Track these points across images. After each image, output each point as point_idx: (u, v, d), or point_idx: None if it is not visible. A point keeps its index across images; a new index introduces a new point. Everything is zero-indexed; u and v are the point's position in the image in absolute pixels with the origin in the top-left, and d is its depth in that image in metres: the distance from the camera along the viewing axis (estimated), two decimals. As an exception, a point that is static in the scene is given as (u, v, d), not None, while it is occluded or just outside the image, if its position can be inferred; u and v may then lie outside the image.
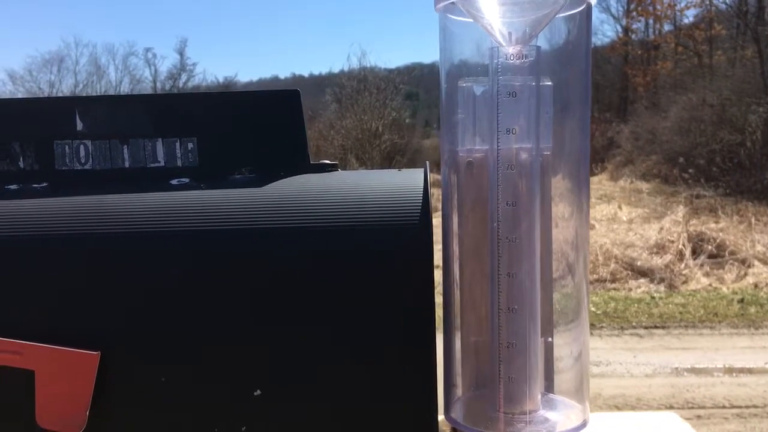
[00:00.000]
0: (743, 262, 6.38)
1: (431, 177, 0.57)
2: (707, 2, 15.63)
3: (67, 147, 0.61)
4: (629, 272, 6.17)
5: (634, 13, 18.29)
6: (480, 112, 0.55)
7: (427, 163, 0.59)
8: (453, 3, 0.52)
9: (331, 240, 0.53)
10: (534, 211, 0.52)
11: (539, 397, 0.54)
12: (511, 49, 0.51)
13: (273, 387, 0.52)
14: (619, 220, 8.07)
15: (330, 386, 0.52)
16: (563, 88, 0.55)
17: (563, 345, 0.57)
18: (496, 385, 0.53)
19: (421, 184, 0.56)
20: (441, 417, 0.56)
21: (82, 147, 0.61)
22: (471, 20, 0.53)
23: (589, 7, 0.53)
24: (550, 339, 0.57)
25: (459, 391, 0.57)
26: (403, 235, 0.52)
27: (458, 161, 0.56)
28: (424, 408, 0.51)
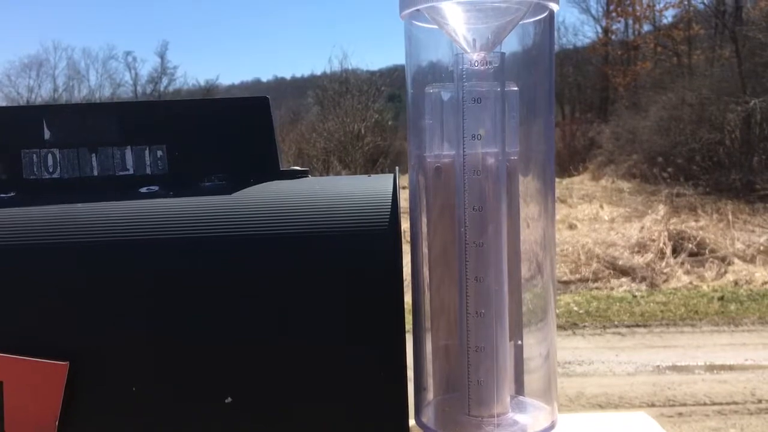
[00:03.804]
0: (723, 259, 6.45)
1: (403, 181, 0.58)
2: (686, 2, 15.78)
3: (34, 156, 0.61)
4: (611, 271, 6.22)
5: (614, 14, 18.43)
6: (447, 117, 0.55)
7: (397, 168, 0.59)
8: (418, 10, 0.53)
9: (300, 246, 0.53)
10: (500, 215, 0.53)
11: (508, 399, 0.54)
12: (476, 56, 0.52)
13: (243, 393, 0.52)
14: (601, 219, 8.13)
15: (299, 391, 0.52)
16: (529, 93, 0.56)
17: (532, 345, 0.58)
18: (465, 388, 0.53)
19: (390, 190, 0.56)
20: (412, 422, 0.56)
21: (50, 156, 0.61)
22: (436, 27, 0.53)
23: (551, 14, 0.54)
24: (519, 342, 0.57)
25: (430, 395, 0.58)
26: (371, 240, 0.53)
27: (426, 166, 0.57)
28: (395, 412, 0.52)
